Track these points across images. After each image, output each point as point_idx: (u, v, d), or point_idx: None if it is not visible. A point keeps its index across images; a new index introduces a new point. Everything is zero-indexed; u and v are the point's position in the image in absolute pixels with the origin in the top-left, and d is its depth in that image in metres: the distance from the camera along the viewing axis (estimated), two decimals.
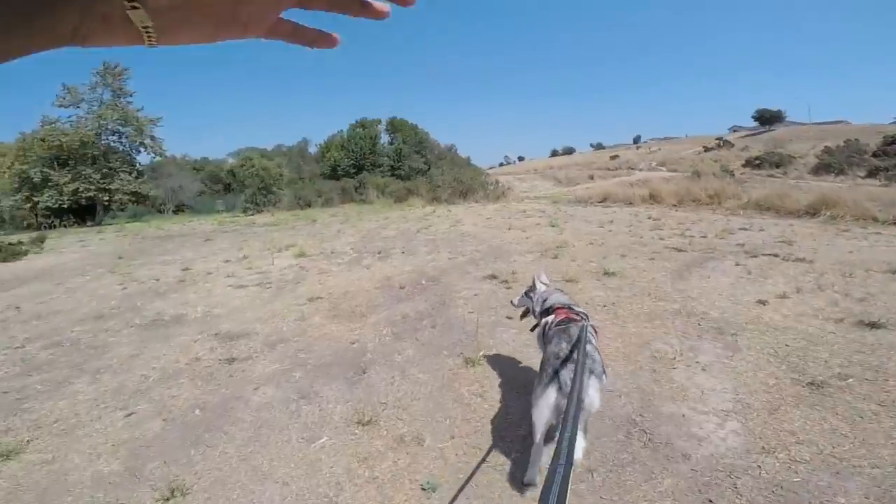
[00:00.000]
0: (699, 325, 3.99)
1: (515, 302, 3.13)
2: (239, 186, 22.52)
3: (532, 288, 2.95)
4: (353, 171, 28.66)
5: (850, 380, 2.87)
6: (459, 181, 18.87)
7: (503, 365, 3.47)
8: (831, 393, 2.75)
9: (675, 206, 14.27)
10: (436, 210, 15.74)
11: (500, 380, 3.24)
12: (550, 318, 2.44)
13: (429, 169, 28.07)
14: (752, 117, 54.00)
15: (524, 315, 3.09)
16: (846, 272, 5.46)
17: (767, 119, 52.00)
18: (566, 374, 1.93)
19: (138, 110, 21.78)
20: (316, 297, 5.46)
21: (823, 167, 30.76)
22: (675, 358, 3.37)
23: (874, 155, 32.71)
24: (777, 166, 32.58)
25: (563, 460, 0.69)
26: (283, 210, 21.51)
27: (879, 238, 7.95)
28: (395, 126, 37.18)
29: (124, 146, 22.61)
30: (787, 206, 12.08)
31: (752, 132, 52.09)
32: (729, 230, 8.87)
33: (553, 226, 10.36)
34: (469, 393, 3.11)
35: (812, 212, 11.25)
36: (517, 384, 3.15)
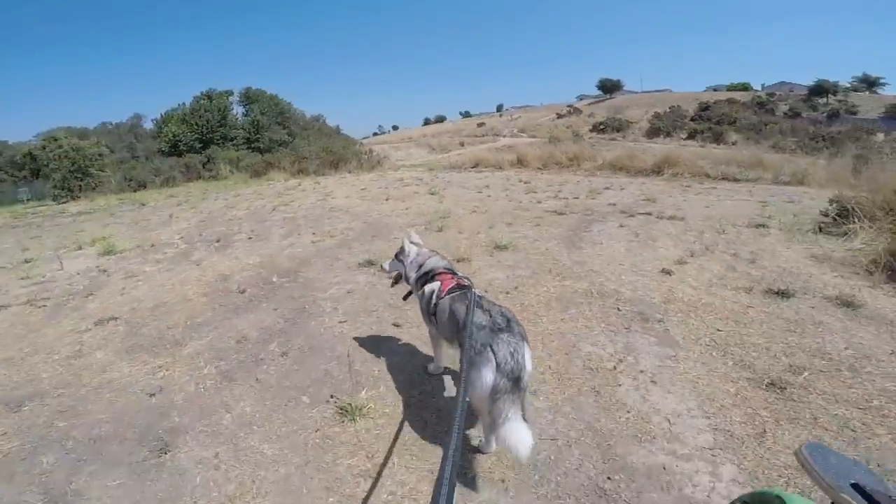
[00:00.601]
0: (619, 310, 3.30)
1: (386, 266, 2.62)
2: (45, 171, 17.26)
3: (402, 251, 2.49)
4: (198, 146, 24.06)
5: (805, 374, 2.35)
6: (329, 151, 16.80)
7: (401, 407, 2.32)
8: (799, 396, 2.17)
9: (540, 169, 14.43)
10: (301, 183, 13.65)
11: (403, 437, 2.09)
12: (435, 285, 2.16)
13: (293, 140, 24.89)
14: (596, 86, 59.71)
15: (395, 282, 2.64)
16: (718, 228, 5.42)
17: (609, 88, 57.76)
18: (504, 349, 1.62)
19: None
20: (109, 318, 3.62)
21: (654, 131, 35.02)
22: (614, 367, 2.57)
23: (692, 119, 38.32)
24: (618, 130, 36.22)
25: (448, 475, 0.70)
26: (111, 194, 17.13)
27: (719, 192, 8.60)
28: (250, 97, 32.78)
29: None
30: (636, 166, 12.88)
31: (596, 100, 57.57)
32: (596, 190, 8.91)
33: (432, 194, 9.38)
34: (352, 473, 1.92)
35: (657, 170, 12.10)
36: (429, 439, 2.05)
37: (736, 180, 10.33)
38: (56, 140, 17.31)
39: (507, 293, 3.62)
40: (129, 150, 28.30)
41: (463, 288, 2.06)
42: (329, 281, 4.15)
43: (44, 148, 17.25)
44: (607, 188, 9.35)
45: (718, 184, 10.03)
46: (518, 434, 1.48)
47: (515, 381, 1.59)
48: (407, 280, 2.46)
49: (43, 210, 13.68)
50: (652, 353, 2.76)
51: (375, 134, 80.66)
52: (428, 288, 2.20)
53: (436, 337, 2.37)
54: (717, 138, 30.10)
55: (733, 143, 28.29)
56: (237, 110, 32.30)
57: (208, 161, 20.32)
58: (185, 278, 4.56)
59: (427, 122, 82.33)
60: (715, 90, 59.88)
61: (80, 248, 6.40)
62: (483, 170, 14.59)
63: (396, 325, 3.17)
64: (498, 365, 1.59)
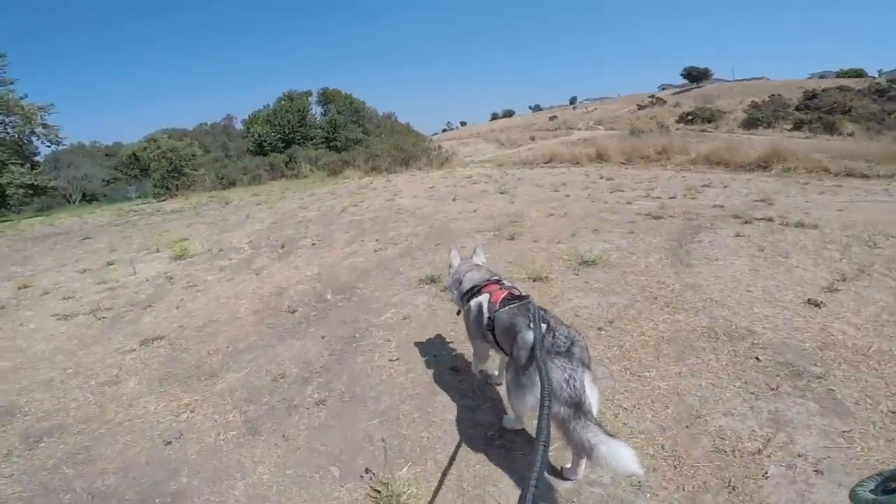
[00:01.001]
0: (758, 360, 2.35)
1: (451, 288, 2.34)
2: (146, 171, 19.08)
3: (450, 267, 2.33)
4: (281, 145, 25.23)
5: None
6: (399, 148, 16.59)
7: (452, 496, 1.66)
8: None
9: (623, 163, 12.98)
10: (373, 181, 13.50)
11: None
12: (483, 297, 1.98)
13: (367, 138, 25.27)
14: (681, 75, 54.18)
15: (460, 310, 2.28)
16: (867, 240, 4.10)
17: (695, 76, 52.16)
18: (558, 374, 1.48)
19: (22, 98, 18.01)
20: (155, 337, 3.34)
21: (752, 121, 30.98)
22: (759, 450, 1.71)
23: (797, 109, 33.43)
24: (709, 121, 32.55)
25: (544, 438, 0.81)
26: (203, 192, 18.43)
27: (849, 192, 6.92)
28: (327, 97, 33.92)
29: (11, 136, 18.71)
30: (736, 160, 11.07)
31: (681, 89, 52.36)
32: (694, 188, 7.59)
33: (502, 193, 8.60)
34: None
35: (763, 165, 10.27)
36: None
37: (864, 177, 8.33)
38: (155, 141, 18.92)
39: (601, 329, 2.78)
40: (223, 149, 30.59)
41: (521, 298, 1.88)
42: (386, 301, 3.57)
43: (145, 149, 18.95)
44: (707, 185, 7.97)
45: (843, 181, 8.16)
46: (619, 452, 1.33)
47: (577, 407, 1.45)
48: (454, 299, 2.27)
49: (143, 208, 14.88)
50: (814, 426, 1.85)
51: (444, 130, 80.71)
52: (474, 302, 2.03)
53: (484, 352, 2.21)
54: (830, 129, 25.85)
55: (849, 135, 24.11)
56: (315, 110, 33.71)
57: (290, 160, 21.15)
58: (241, 290, 4.26)
59: (495, 117, 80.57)
60: (821, 77, 52.06)
61: (158, 250, 6.51)
62: (557, 165, 13.46)
63: (455, 371, 2.49)
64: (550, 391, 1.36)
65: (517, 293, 1.97)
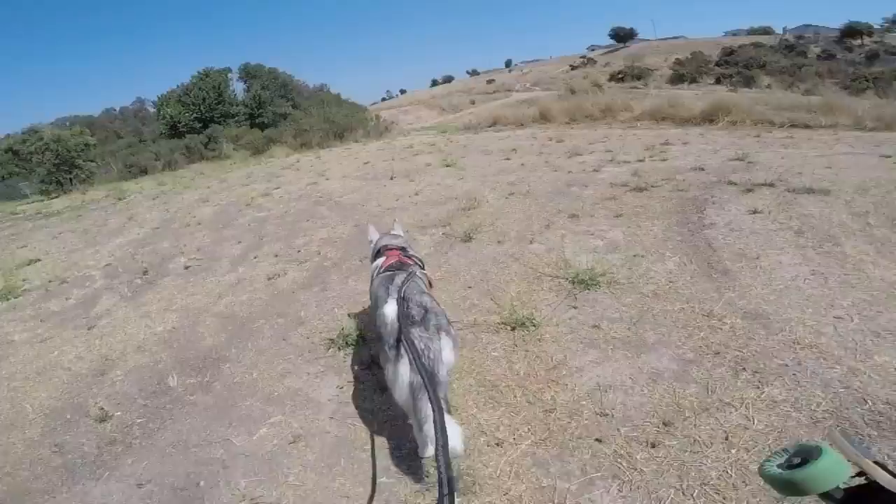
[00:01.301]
0: None
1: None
2: (28, 167, 15.38)
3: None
4: (198, 126, 21.67)
5: None
6: (330, 121, 14.36)
7: None
8: None
9: (567, 123, 11.78)
10: (300, 159, 11.42)
11: None
12: (378, 261, 1.90)
13: (296, 112, 22.22)
14: (609, 35, 53.48)
15: None
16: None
17: (622, 37, 51.57)
18: (417, 343, 1.40)
19: None
20: None
21: (677, 78, 30.87)
22: None
23: (717, 65, 33.75)
24: (638, 78, 32.15)
25: (447, 489, 0.63)
26: (108, 183, 15.31)
27: (807, 143, 6.26)
28: (249, 72, 29.96)
29: None
30: (681, 115, 10.21)
31: (609, 49, 51.81)
32: (655, 148, 6.56)
33: (449, 165, 7.10)
34: None
35: (710, 118, 9.44)
36: None
37: (808, 127, 7.68)
38: (37, 132, 15.23)
39: (651, 448, 1.42)
40: (136, 134, 26.19)
41: (403, 265, 1.78)
42: (267, 393, 2.00)
43: (24, 142, 15.22)
44: (666, 143, 6.91)
45: (792, 132, 7.49)
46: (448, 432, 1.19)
47: (431, 377, 1.33)
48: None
49: (27, 209, 11.85)
50: None
51: (384, 99, 75.83)
52: (373, 265, 1.94)
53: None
54: (748, 83, 26.23)
55: (767, 87, 24.44)
56: (237, 87, 29.87)
57: (209, 141, 18.10)
58: (49, 364, 2.51)
59: (435, 84, 76.78)
60: (734, 35, 53.59)
61: None
62: (502, 128, 12.01)
63: None
64: (411, 362, 1.36)
65: (410, 261, 1.85)
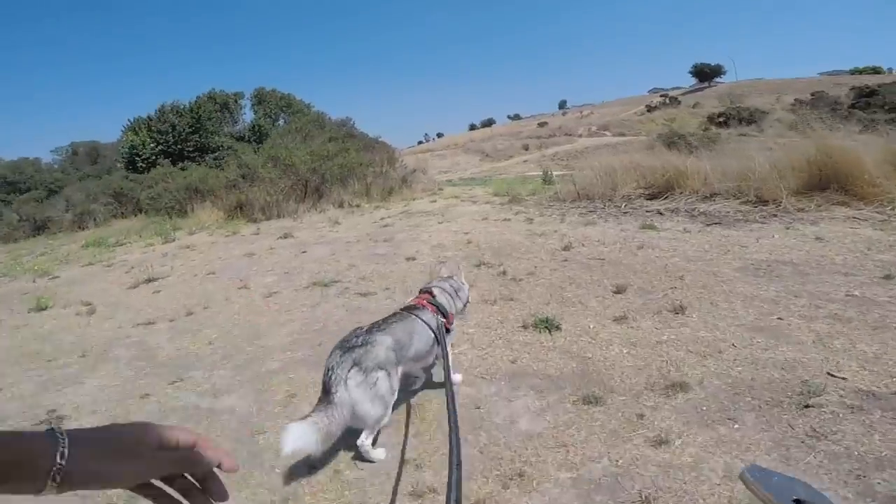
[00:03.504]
0: None
1: None
2: None
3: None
4: (163, 160, 17.08)
5: None
6: (286, 163, 8.91)
7: None
8: None
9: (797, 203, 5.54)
10: (191, 245, 5.76)
11: None
12: (410, 300, 2.08)
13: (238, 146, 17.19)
14: (689, 73, 47.90)
15: None
16: None
17: (706, 75, 45.99)
18: (329, 360, 1.66)
19: None
20: None
21: (804, 123, 24.64)
22: None
23: (852, 107, 27.47)
24: (748, 123, 26.01)
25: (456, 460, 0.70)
26: None
27: None
28: (260, 97, 26.47)
29: None
30: None
31: (691, 89, 46.44)
32: None
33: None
34: None
35: None
36: None
37: None
38: None
39: None
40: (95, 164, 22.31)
41: (413, 308, 1.94)
42: None
43: None
44: None
45: None
46: (293, 430, 1.44)
47: (327, 391, 1.59)
48: None
49: None
50: None
51: (420, 143, 73.14)
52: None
53: None
54: None
55: None
56: (248, 116, 26.21)
57: (152, 186, 12.81)
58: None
59: (473, 128, 73.53)
60: (832, 75, 47.43)
61: None
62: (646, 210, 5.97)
63: None
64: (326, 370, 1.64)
65: (416, 304, 1.97)
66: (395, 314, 1.88)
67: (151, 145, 17.98)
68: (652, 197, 5.77)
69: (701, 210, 5.12)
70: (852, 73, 47.09)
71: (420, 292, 2.07)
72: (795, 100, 29.31)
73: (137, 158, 17.86)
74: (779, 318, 2.47)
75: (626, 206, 5.66)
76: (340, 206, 8.90)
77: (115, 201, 13.26)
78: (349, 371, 1.57)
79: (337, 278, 3.94)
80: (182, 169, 15.67)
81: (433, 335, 1.84)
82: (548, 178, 9.81)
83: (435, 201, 8.49)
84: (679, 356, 2.12)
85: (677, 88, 54.57)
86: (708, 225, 4.53)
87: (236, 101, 26.79)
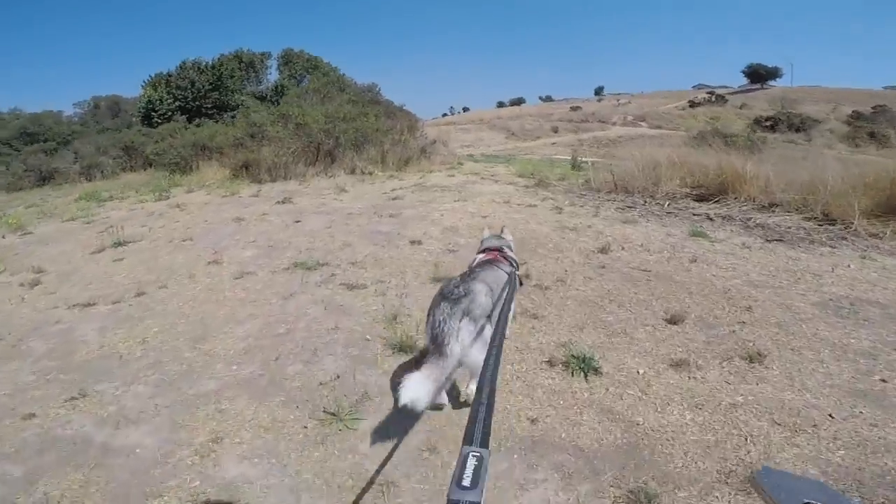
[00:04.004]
0: None
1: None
2: None
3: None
4: (180, 116, 16.64)
5: None
6: (299, 124, 8.36)
7: None
8: None
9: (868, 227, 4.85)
10: (181, 205, 5.29)
11: None
12: (479, 256, 2.14)
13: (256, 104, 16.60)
14: (743, 73, 44.91)
15: None
16: None
17: (761, 76, 43.15)
18: (437, 313, 1.62)
19: None
20: None
21: (862, 135, 23.15)
22: None
23: None
24: (797, 130, 24.57)
25: (486, 398, 0.66)
26: None
27: None
28: (287, 58, 26.05)
29: None
30: None
31: (742, 89, 44.02)
32: None
33: None
34: None
35: None
36: None
37: None
38: None
39: None
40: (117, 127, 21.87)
41: (494, 263, 2.00)
42: None
43: None
44: None
45: None
46: (412, 380, 1.40)
47: (438, 346, 1.56)
48: None
49: None
50: None
51: (445, 115, 71.32)
52: (475, 256, 2.18)
53: None
54: None
55: None
56: (273, 76, 25.84)
57: (159, 141, 12.27)
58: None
59: (501, 105, 71.16)
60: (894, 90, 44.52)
61: None
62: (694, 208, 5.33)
63: None
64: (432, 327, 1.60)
65: (500, 258, 2.05)
66: (479, 264, 1.94)
67: (169, 101, 17.49)
68: (701, 198, 5.08)
69: (757, 221, 4.44)
70: None
71: (485, 250, 2.12)
72: (854, 111, 27.53)
73: (154, 114, 17.37)
74: (882, 381, 1.90)
75: (669, 205, 4.99)
76: (352, 172, 8.33)
77: (126, 155, 12.88)
78: (460, 322, 1.57)
79: (325, 260, 3.39)
80: (197, 126, 15.21)
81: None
82: (577, 163, 9.10)
83: (453, 176, 7.86)
84: (761, 429, 1.55)
85: (725, 87, 51.91)
86: (769, 241, 3.88)
87: (262, 61, 26.43)
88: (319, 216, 4.81)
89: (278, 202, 5.64)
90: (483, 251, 2.16)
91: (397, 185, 6.68)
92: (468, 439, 0.60)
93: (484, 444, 0.59)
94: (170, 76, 18.32)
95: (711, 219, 4.52)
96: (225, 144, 8.64)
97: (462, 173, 8.19)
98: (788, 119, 25.67)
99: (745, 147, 9.60)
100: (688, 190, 5.38)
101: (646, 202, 5.06)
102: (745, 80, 45.56)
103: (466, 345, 1.56)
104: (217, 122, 15.92)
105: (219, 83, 18.18)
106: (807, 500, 0.48)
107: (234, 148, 8.40)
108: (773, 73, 42.50)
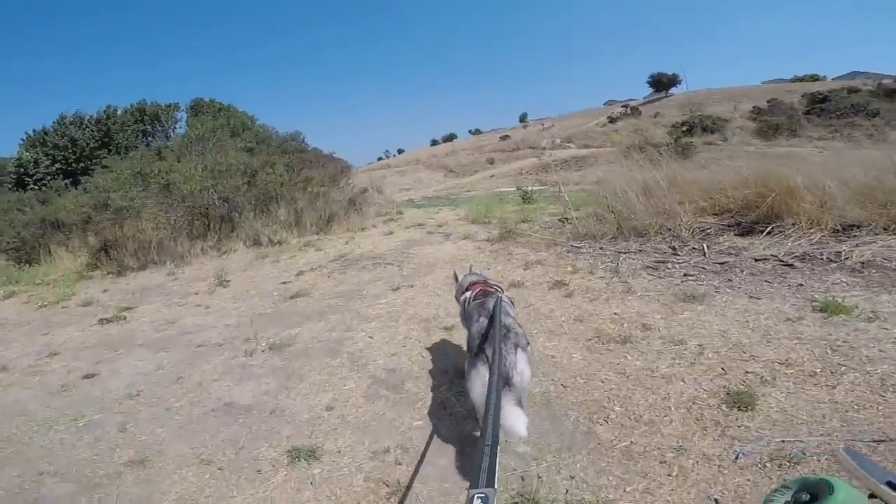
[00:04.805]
0: None
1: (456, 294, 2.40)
2: None
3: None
4: (59, 179, 13.65)
5: None
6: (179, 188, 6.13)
7: None
8: None
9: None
10: None
11: None
12: (468, 294, 2.17)
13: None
14: (647, 83, 47.76)
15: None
16: None
17: (664, 84, 45.95)
18: (490, 350, 1.69)
19: None
20: None
21: (767, 130, 24.02)
22: None
23: (807, 113, 27.35)
24: (712, 132, 25.24)
25: (490, 440, 0.67)
26: None
27: None
28: (197, 109, 23.46)
29: None
30: None
31: (647, 100, 46.30)
32: None
33: None
34: None
35: None
36: None
37: None
38: None
39: None
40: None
41: (487, 294, 2.04)
42: None
43: None
44: None
45: None
46: (511, 415, 1.48)
47: (506, 380, 1.60)
48: (458, 300, 2.31)
49: None
50: None
51: (380, 158, 70.02)
52: (462, 297, 2.19)
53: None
54: (874, 135, 19.36)
55: None
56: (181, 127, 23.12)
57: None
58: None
59: (435, 143, 71.06)
60: (776, 83, 48.77)
61: None
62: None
63: None
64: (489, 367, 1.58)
65: (491, 289, 2.11)
66: (486, 297, 1.97)
67: (47, 162, 14.43)
68: (745, 232, 3.47)
69: (857, 257, 2.83)
70: (793, 81, 48.42)
71: (471, 285, 2.16)
72: (754, 107, 28.98)
73: (27, 178, 14.21)
74: None
75: (709, 247, 3.35)
76: (256, 243, 6.19)
77: None
78: (516, 355, 1.66)
79: None
80: (85, 190, 12.37)
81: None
82: (528, 196, 7.53)
83: (391, 233, 5.97)
84: None
85: (632, 99, 54.71)
86: None
87: (169, 113, 23.78)
88: (144, 358, 2.75)
89: (103, 320, 3.42)
90: (472, 283, 2.18)
91: (311, 261, 4.68)
92: (473, 483, 0.63)
93: (489, 483, 0.63)
94: (45, 134, 15.21)
95: (789, 264, 2.84)
96: (69, 221, 6.20)
97: (402, 227, 6.33)
98: (701, 122, 26.42)
99: (679, 154, 8.49)
100: (713, 220, 3.75)
101: (675, 249, 3.36)
102: (649, 91, 48.08)
103: (526, 373, 1.67)
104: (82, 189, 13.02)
105: (107, 139, 15.34)
106: (889, 480, 0.49)
107: (83, 225, 6.01)
108: (674, 81, 45.14)
